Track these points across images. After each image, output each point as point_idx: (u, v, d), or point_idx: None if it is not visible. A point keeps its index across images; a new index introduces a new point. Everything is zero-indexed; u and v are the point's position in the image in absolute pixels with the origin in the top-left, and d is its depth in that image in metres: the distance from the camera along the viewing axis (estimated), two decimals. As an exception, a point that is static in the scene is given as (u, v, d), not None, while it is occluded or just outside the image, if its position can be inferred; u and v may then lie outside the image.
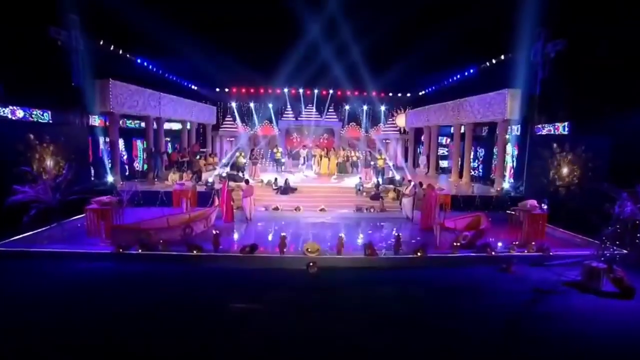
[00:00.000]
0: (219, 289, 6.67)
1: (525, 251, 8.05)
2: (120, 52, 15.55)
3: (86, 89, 12.38)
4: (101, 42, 14.13)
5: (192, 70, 20.85)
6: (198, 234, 9.60)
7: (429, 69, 18.58)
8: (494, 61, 15.46)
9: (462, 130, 17.41)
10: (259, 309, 5.83)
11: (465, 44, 15.88)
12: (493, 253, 7.96)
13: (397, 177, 15.16)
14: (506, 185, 13.45)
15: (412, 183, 12.34)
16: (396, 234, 8.14)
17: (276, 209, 12.57)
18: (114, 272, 7.44)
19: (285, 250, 7.89)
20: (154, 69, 18.62)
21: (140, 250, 7.81)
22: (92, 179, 13.14)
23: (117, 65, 14.94)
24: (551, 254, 7.92)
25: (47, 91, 11.36)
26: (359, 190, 14.48)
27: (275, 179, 14.71)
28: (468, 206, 12.73)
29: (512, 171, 14.25)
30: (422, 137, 24.87)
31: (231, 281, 7.08)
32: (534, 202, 9.12)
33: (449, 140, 23.17)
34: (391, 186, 14.80)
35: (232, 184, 13.87)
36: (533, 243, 8.21)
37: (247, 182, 12.13)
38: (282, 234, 7.95)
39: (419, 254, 7.90)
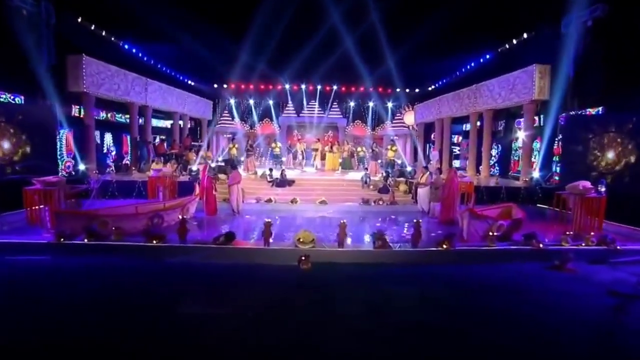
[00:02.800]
0: (179, 287, 4.95)
1: (582, 244, 6.22)
2: (104, 33, 14.21)
3: (56, 66, 10.97)
4: (79, 20, 12.80)
5: (188, 61, 19.52)
6: (172, 225, 7.95)
7: (442, 55, 16.94)
8: (514, 41, 13.76)
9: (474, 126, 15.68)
10: (225, 313, 4.11)
11: (483, 22, 14.27)
12: (541, 246, 6.15)
13: (409, 168, 13.40)
14: (536, 174, 11.61)
15: (429, 170, 10.58)
16: (415, 221, 6.36)
17: (269, 200, 10.88)
18: (52, 266, 5.79)
19: (271, 240, 6.18)
20: (143, 57, 17.25)
21: (86, 240, 6.15)
22: (62, 167, 11.61)
23: (99, 48, 13.57)
24: (618, 248, 6.08)
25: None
26: (366, 182, 12.77)
27: (270, 170, 13.07)
28: (493, 199, 10.91)
29: (540, 159, 12.39)
30: (432, 135, 23.20)
31: (198, 278, 5.36)
32: (587, 183, 7.27)
33: (460, 138, 21.43)
34: (402, 179, 13.08)
35: (221, 176, 12.29)
36: (592, 234, 6.37)
37: (233, 166, 10.45)
38: (267, 220, 6.23)
39: (444, 246, 6.12)
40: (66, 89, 11.20)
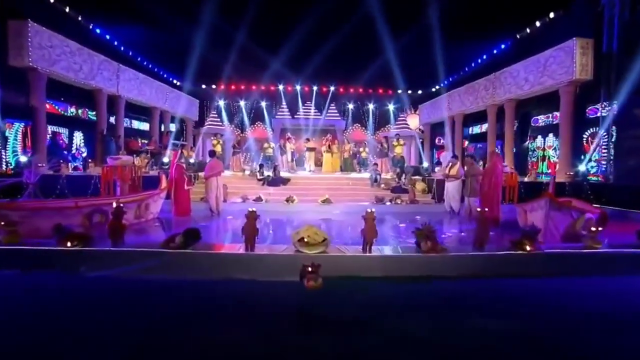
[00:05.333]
0: (92, 327, 2.70)
1: None
2: (67, 9, 12.14)
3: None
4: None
5: (174, 58, 17.53)
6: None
7: (456, 45, 15.17)
8: (547, 18, 11.97)
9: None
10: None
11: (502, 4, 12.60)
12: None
13: (425, 164, 11.36)
14: (582, 167, 9.62)
15: (458, 160, 8.53)
16: (479, 210, 4.18)
17: (259, 199, 8.66)
18: None
19: (255, 239, 3.95)
20: (119, 45, 15.18)
21: (-41, 241, 3.85)
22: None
23: (61, 23, 11.44)
24: None
25: None
26: (376, 181, 10.67)
27: (261, 167, 10.89)
28: (532, 195, 8.89)
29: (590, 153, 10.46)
30: (437, 140, 21.35)
31: (130, 308, 3.11)
32: None
33: (467, 142, 19.63)
34: (417, 177, 11.03)
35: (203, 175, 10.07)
36: None
37: (211, 153, 8.22)
38: (250, 209, 4.01)
39: (526, 248, 3.96)
40: (6, 63, 9.00)
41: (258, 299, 3.29)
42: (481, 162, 11.63)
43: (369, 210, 4.08)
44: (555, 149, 14.01)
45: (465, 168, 7.91)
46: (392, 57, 17.16)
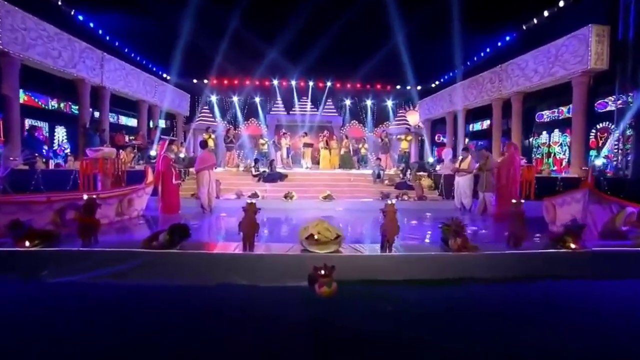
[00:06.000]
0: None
1: None
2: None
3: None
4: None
5: (163, 51, 16.71)
6: (105, 224, 5.08)
7: (461, 38, 14.62)
8: (560, 5, 11.42)
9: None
10: None
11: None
12: None
13: (431, 159, 10.81)
14: (599, 162, 9.16)
15: (469, 154, 7.98)
16: (514, 202, 3.59)
17: (255, 196, 8.00)
18: None
19: (254, 237, 3.32)
20: (105, 34, 14.34)
21: None
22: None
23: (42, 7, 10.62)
24: None
25: None
26: (379, 177, 10.09)
27: (256, 162, 10.23)
28: (547, 192, 8.38)
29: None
30: (437, 137, 20.85)
31: (96, 313, 2.46)
32: None
33: (467, 140, 19.15)
34: (422, 173, 10.48)
35: (193, 170, 9.40)
36: None
37: (203, 144, 7.52)
38: (250, 201, 3.37)
39: (570, 245, 3.39)
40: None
41: (259, 309, 2.67)
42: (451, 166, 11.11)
43: (389, 202, 3.47)
44: (561, 145, 13.60)
45: (480, 161, 7.36)
46: (391, 51, 16.63)
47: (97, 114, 13.31)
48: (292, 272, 3.00)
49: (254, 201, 3.45)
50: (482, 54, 15.22)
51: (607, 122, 11.58)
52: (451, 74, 18.23)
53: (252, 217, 3.34)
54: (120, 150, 10.08)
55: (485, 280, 3.29)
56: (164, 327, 2.32)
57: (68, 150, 13.71)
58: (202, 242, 3.96)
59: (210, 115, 20.39)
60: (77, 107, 13.20)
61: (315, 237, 3.23)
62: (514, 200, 3.57)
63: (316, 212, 7.36)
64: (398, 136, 13.28)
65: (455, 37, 14.21)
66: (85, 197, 3.51)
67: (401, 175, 10.23)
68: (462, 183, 7.71)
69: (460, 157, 8.25)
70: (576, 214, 4.31)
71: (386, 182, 9.98)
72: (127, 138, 13.37)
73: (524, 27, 12.64)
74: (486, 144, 18.49)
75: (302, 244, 3.29)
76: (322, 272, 2.79)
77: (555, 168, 13.44)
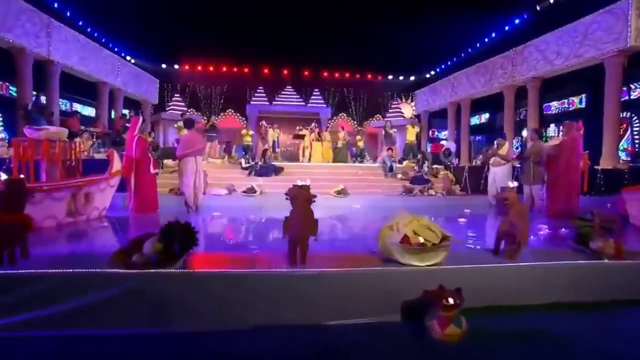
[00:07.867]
0: None
1: None
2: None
3: None
4: None
5: (126, 28, 14.31)
6: (48, 228, 3.23)
7: (464, 20, 13.44)
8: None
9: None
10: None
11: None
12: None
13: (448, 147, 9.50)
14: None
15: (506, 140, 6.66)
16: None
17: (250, 190, 6.23)
18: None
19: (315, 239, 1.65)
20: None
21: None
22: None
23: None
24: None
25: None
26: (391, 170, 8.62)
27: (245, 152, 8.42)
28: (613, 186, 7.29)
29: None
30: (431, 132, 19.74)
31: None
32: None
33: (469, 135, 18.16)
34: (438, 165, 9.14)
35: (169, 162, 7.57)
36: None
37: (188, 124, 5.57)
38: (300, 182, 1.69)
39: None
40: None
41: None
42: (480, 156, 10.02)
43: (510, 185, 2.04)
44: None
45: (528, 146, 6.04)
46: (384, 35, 15.31)
47: (43, 99, 10.90)
48: (377, 299, 1.38)
49: (305, 183, 1.80)
50: (486, 40, 14.20)
51: (627, 112, 10.81)
52: (449, 63, 17.18)
53: (307, 210, 1.69)
54: (76, 138, 7.93)
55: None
56: None
57: (6, 138, 11.21)
58: (212, 252, 2.25)
59: (183, 104, 18.13)
60: (15, 89, 10.72)
61: (421, 239, 1.65)
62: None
63: (331, 211, 5.79)
64: (405, 126, 11.86)
65: (458, 19, 13.07)
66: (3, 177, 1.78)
67: (416, 168, 8.82)
68: (501, 173, 6.38)
69: (495, 144, 6.93)
70: None
71: (399, 175, 8.53)
72: (82, 128, 11.05)
73: (538, 8, 11.65)
74: (484, 139, 17.63)
75: (385, 253, 1.69)
76: (449, 299, 1.37)
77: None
